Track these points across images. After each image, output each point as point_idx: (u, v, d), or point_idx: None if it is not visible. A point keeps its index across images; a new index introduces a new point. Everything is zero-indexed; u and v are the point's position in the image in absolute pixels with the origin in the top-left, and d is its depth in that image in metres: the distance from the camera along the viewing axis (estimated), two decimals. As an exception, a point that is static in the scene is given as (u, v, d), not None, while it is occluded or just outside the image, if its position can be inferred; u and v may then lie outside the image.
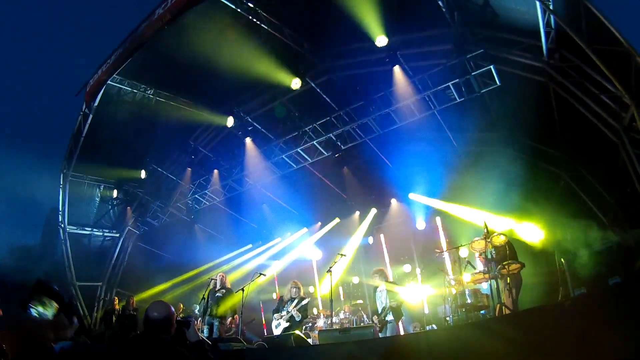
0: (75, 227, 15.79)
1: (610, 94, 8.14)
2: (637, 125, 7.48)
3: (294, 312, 9.92)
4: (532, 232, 10.93)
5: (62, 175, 14.92)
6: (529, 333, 4.53)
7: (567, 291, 8.55)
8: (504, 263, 8.57)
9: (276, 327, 10.17)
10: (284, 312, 10.15)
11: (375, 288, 9.96)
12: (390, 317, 9.30)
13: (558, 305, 6.29)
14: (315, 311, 12.80)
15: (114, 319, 13.15)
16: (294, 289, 10.47)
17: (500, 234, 9.16)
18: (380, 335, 9.00)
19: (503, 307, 8.10)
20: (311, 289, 15.49)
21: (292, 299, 10.29)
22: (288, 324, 9.91)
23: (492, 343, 4.75)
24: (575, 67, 8.59)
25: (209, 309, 10.58)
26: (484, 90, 10.04)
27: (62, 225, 15.34)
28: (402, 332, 12.33)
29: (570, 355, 3.99)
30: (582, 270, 8.30)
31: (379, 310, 9.53)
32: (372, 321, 9.91)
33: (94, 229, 16.55)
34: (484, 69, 9.70)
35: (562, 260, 8.81)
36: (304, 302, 10.05)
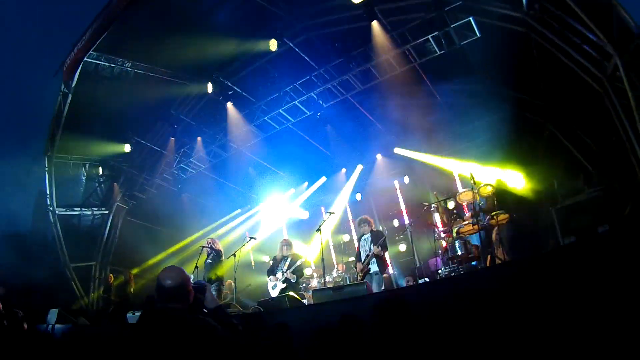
0: (64, 209, 15.58)
1: (592, 44, 8.04)
2: (621, 74, 7.45)
3: (289, 275, 10.05)
4: (520, 182, 11.07)
5: (46, 158, 14.69)
6: (520, 282, 4.63)
7: (557, 240, 8.70)
8: (492, 214, 8.74)
9: (272, 288, 10.28)
10: (279, 273, 10.26)
11: (361, 236, 9.94)
12: (375, 267, 9.22)
13: (548, 254, 6.40)
14: (309, 271, 12.95)
15: (112, 296, 13.23)
16: (285, 247, 10.55)
17: (487, 184, 9.31)
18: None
19: (495, 258, 8.30)
20: (303, 250, 15.65)
21: (284, 257, 10.37)
22: (285, 285, 10.05)
23: (483, 294, 4.86)
24: (555, 17, 8.40)
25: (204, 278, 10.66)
26: (463, 43, 9.94)
27: (51, 208, 15.17)
28: (393, 285, 12.68)
29: (561, 304, 4.10)
30: (571, 219, 8.40)
31: (362, 258, 9.48)
32: (355, 269, 10.02)
33: (83, 209, 16.30)
34: (463, 21, 9.59)
35: (551, 209, 8.92)
36: (298, 263, 10.12)
